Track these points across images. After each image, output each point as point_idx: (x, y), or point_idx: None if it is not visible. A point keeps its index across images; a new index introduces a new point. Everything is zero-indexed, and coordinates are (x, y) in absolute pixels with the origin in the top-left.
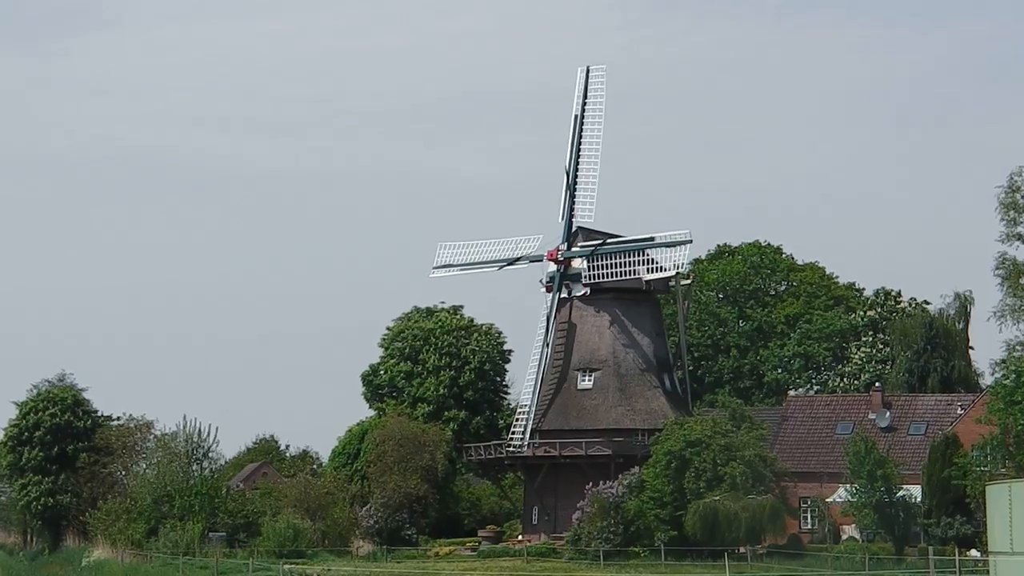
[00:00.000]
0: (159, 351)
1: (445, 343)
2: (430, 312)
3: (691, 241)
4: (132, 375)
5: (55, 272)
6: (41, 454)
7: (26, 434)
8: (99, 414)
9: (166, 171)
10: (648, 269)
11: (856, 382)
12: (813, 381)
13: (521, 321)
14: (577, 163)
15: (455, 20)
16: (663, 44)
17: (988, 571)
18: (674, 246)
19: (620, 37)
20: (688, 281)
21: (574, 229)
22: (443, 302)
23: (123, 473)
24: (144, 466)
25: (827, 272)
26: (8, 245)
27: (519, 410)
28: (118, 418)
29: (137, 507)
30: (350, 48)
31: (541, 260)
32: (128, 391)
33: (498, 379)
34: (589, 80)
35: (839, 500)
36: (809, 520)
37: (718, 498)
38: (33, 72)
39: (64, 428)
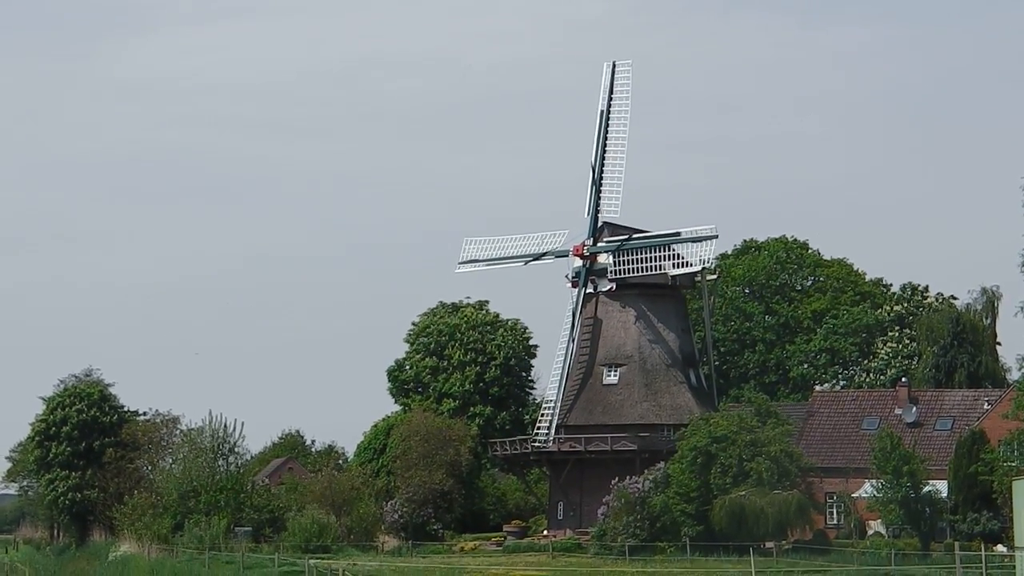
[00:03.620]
0: (185, 346)
1: (470, 338)
2: (455, 307)
3: (717, 236)
4: (158, 370)
5: (82, 269)
6: (68, 449)
7: (53, 429)
8: (125, 409)
9: (193, 171)
10: (674, 264)
11: (882, 377)
12: (839, 376)
13: (546, 316)
14: (603, 158)
15: (481, 20)
16: (690, 42)
17: (1015, 566)
18: (700, 241)
19: (646, 36)
20: (714, 276)
21: (600, 224)
22: (468, 297)
23: (149, 468)
24: (170, 461)
25: (854, 267)
26: (36, 242)
27: (544, 405)
28: (144, 413)
29: (163, 502)
30: (376, 50)
31: (567, 255)
32: (154, 386)
33: (523, 374)
34: (615, 76)
35: (865, 496)
36: (835, 515)
37: (744, 493)
38: (62, 75)
39: (91, 423)
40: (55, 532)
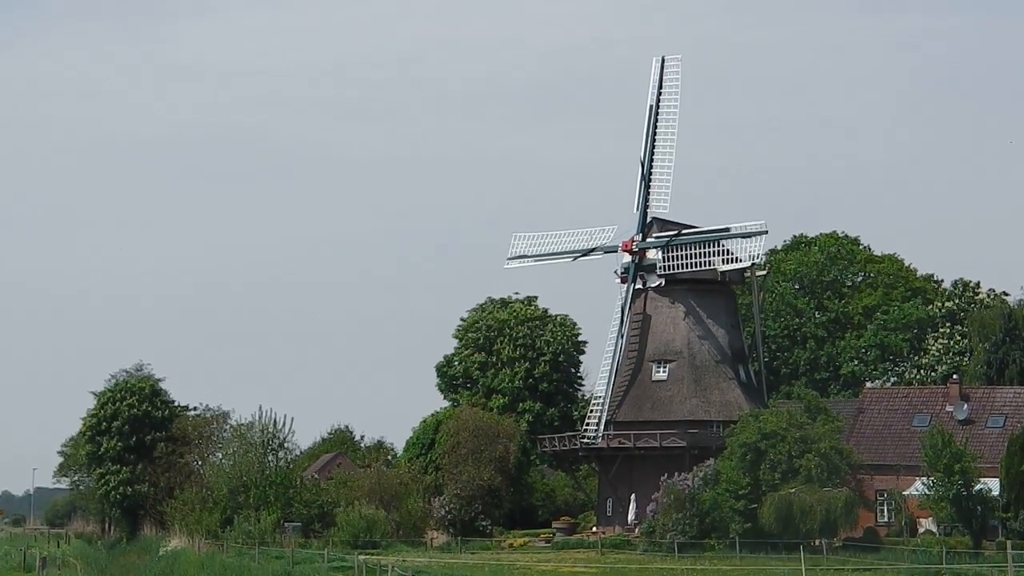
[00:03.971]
0: (236, 341)
1: (520, 334)
2: (504, 303)
3: (767, 232)
4: (209, 365)
5: (136, 262)
6: (119, 444)
7: (104, 424)
8: (176, 404)
9: (250, 158)
10: (723, 260)
11: (933, 374)
12: (890, 373)
13: (595, 312)
14: (652, 153)
15: (542, 6)
16: (742, 33)
17: None
18: (750, 237)
19: (702, 25)
20: (764, 272)
21: (649, 220)
22: (517, 293)
23: (199, 463)
24: (220, 456)
25: (905, 263)
26: (89, 235)
27: (593, 401)
28: (195, 408)
29: (213, 497)
30: (438, 34)
31: (616, 251)
32: (205, 381)
33: (572, 370)
34: (664, 70)
35: (916, 493)
36: (886, 513)
37: (793, 490)
38: (127, 58)
39: (142, 418)
40: (106, 526)
